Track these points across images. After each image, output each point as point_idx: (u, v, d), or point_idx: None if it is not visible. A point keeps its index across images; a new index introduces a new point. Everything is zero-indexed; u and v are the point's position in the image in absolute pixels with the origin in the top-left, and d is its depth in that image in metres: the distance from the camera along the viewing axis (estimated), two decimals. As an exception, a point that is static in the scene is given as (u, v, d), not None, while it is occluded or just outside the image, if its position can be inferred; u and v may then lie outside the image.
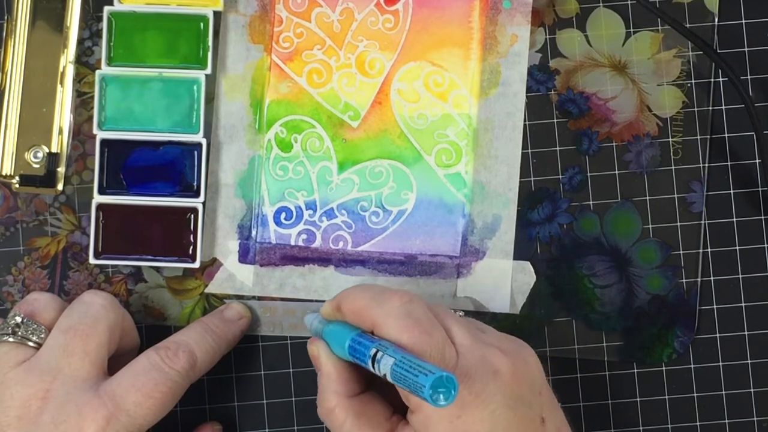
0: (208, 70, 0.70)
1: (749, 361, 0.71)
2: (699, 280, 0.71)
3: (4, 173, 0.70)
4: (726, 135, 0.72)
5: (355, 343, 0.60)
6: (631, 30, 0.72)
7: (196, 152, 0.70)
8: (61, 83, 0.70)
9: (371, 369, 0.59)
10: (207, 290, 0.71)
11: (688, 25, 0.71)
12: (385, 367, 0.57)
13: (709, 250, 0.72)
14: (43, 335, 0.64)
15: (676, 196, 0.71)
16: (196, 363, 0.65)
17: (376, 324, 0.61)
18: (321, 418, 0.63)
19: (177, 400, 0.64)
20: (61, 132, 0.70)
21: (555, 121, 0.72)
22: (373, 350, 0.58)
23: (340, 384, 0.62)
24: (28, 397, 0.62)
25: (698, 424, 0.71)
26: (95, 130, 0.70)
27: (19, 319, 0.64)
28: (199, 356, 0.65)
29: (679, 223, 0.71)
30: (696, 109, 0.71)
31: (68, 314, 0.65)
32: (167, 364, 0.64)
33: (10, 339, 0.64)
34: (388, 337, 0.60)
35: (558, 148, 0.71)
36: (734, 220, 0.72)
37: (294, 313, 0.71)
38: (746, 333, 0.72)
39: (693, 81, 0.72)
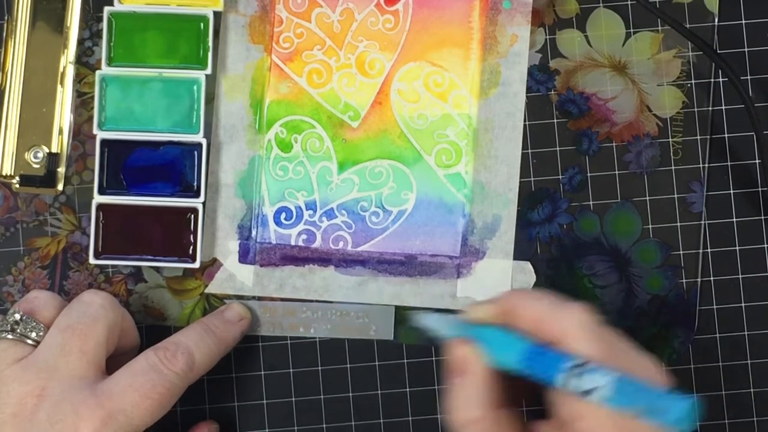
0: (208, 70, 0.70)
1: (749, 361, 0.72)
2: (699, 280, 0.71)
3: (4, 173, 0.70)
4: (726, 135, 0.72)
5: (536, 354, 0.58)
6: (631, 30, 0.72)
7: (196, 152, 0.70)
8: (61, 83, 0.70)
9: (555, 383, 0.56)
10: (207, 290, 0.71)
11: (688, 26, 0.71)
12: (590, 382, 0.55)
13: (709, 250, 0.72)
14: (42, 333, 0.64)
15: (676, 196, 0.71)
16: (194, 364, 0.65)
17: (563, 336, 0.58)
18: (456, 427, 0.60)
19: (174, 402, 0.64)
20: (61, 132, 0.70)
21: (555, 121, 0.72)
22: (571, 364, 0.56)
23: (492, 393, 0.60)
24: (24, 395, 0.62)
25: (698, 424, 0.71)
26: (95, 130, 0.70)
27: (18, 317, 0.65)
28: (197, 357, 0.65)
29: (679, 223, 0.71)
30: (696, 109, 0.72)
31: (67, 313, 0.65)
32: (165, 365, 0.64)
33: (9, 336, 0.64)
34: (580, 352, 0.57)
35: (558, 148, 0.71)
36: (734, 220, 0.72)
37: (294, 313, 0.71)
38: (746, 333, 0.72)
39: (693, 81, 0.72)
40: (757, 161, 0.72)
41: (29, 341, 0.64)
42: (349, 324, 0.71)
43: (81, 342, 0.63)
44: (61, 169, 0.71)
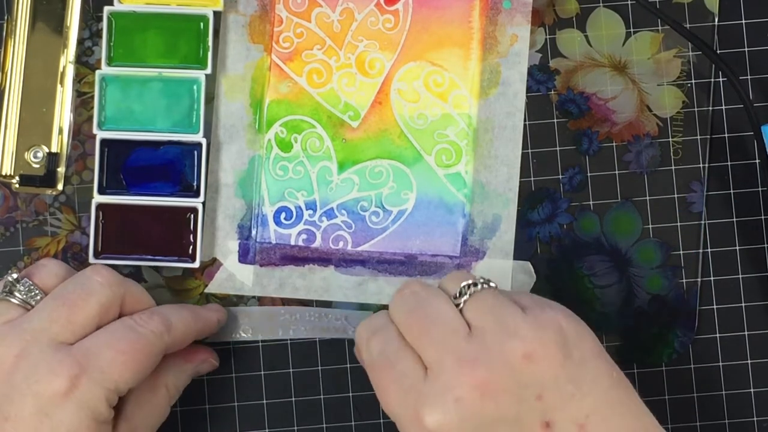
0: (208, 70, 0.70)
1: (749, 361, 0.72)
2: (699, 280, 0.71)
3: (4, 173, 0.70)
4: (726, 135, 0.72)
5: None
6: (631, 30, 0.72)
7: (196, 152, 0.70)
8: (61, 83, 0.70)
9: None
10: (207, 290, 0.71)
11: (688, 26, 0.71)
12: None
13: (709, 250, 0.72)
14: (38, 297, 0.65)
15: (676, 196, 0.71)
16: (171, 327, 0.65)
17: None
18: None
19: (152, 365, 0.64)
20: (61, 132, 0.70)
21: (555, 121, 0.72)
22: None
23: None
24: (3, 355, 0.62)
25: (698, 424, 0.71)
26: (95, 130, 0.70)
27: (14, 277, 0.65)
28: (174, 322, 0.65)
29: (679, 223, 0.71)
30: (696, 109, 0.72)
31: (65, 284, 0.65)
32: (140, 324, 0.64)
33: (3, 297, 0.65)
34: None
35: (558, 148, 0.71)
36: (734, 220, 0.72)
37: (272, 318, 0.71)
38: (746, 333, 0.72)
39: (693, 81, 0.72)
40: (757, 161, 0.72)
41: (21, 303, 0.64)
42: (327, 325, 0.71)
43: (69, 312, 0.63)
44: (61, 169, 0.71)
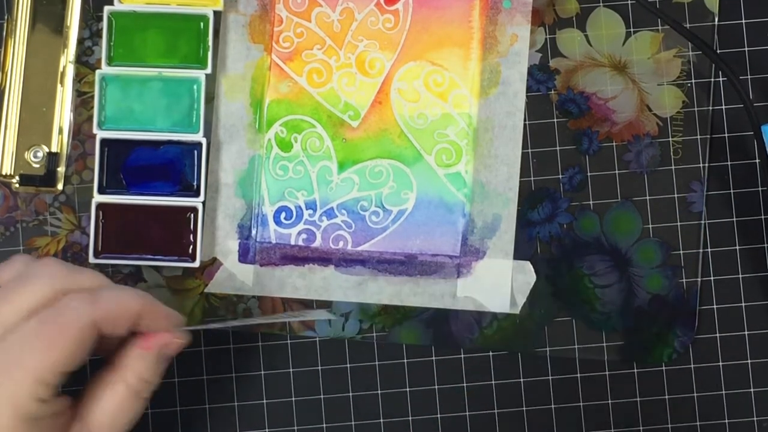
0: (208, 70, 0.70)
1: (749, 361, 0.71)
2: (699, 280, 0.71)
3: (4, 173, 0.70)
4: (726, 135, 0.72)
5: None
6: (631, 30, 0.72)
7: (196, 152, 0.70)
8: (61, 83, 0.70)
9: None
10: (207, 290, 0.71)
11: (688, 25, 0.71)
12: None
13: (709, 250, 0.72)
14: None
15: (676, 196, 0.71)
16: (96, 299, 0.60)
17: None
18: None
19: (79, 341, 0.60)
20: (61, 132, 0.70)
21: (555, 120, 0.72)
22: None
23: None
24: None
25: (698, 424, 0.71)
26: (95, 130, 0.70)
27: None
28: (103, 294, 0.61)
29: (679, 223, 0.71)
30: (696, 109, 0.72)
31: (10, 278, 0.62)
32: (60, 303, 0.60)
33: None
34: None
35: (558, 148, 0.71)
36: (734, 220, 0.72)
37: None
38: (746, 333, 0.72)
39: (693, 81, 0.72)
40: (757, 161, 0.72)
41: None
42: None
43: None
44: (61, 169, 0.71)
